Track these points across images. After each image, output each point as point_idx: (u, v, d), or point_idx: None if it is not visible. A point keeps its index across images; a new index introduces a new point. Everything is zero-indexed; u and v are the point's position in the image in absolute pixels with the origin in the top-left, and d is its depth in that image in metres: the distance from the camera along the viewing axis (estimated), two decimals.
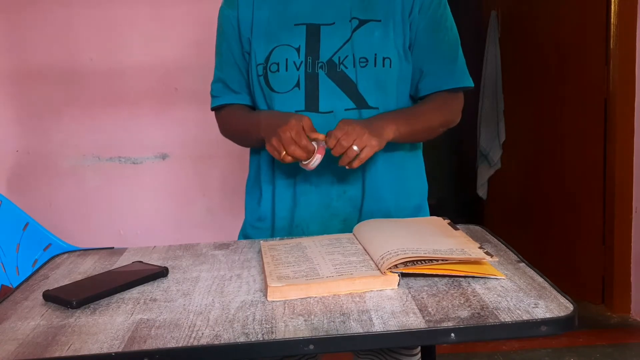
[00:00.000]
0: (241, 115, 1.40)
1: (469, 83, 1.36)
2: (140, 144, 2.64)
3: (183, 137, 2.62)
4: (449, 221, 1.24)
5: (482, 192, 3.98)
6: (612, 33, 2.88)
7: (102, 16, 2.55)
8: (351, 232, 1.24)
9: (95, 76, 2.57)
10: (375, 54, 1.29)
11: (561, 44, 3.19)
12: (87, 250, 1.31)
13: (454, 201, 4.57)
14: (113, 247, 1.31)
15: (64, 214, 2.63)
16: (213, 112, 1.47)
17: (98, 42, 2.56)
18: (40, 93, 2.58)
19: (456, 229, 1.18)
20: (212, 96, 1.44)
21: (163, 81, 2.60)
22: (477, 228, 1.31)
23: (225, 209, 2.66)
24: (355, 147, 1.17)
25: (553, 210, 3.35)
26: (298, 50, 1.30)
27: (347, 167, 1.20)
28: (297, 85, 1.31)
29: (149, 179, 2.66)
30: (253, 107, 1.41)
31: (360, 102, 1.31)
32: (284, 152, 1.19)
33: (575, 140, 3.16)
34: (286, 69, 1.31)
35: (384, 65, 1.30)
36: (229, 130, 1.44)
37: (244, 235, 1.44)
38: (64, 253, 1.30)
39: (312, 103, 1.31)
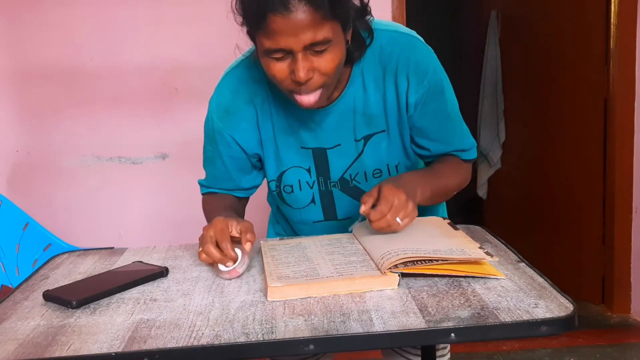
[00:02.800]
0: (212, 205, 1.34)
1: (473, 155, 1.34)
2: (140, 144, 2.64)
3: (183, 137, 2.61)
4: (449, 221, 1.24)
5: (482, 192, 3.98)
6: (612, 33, 2.88)
7: (102, 16, 2.55)
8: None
9: (95, 76, 2.57)
10: (388, 165, 1.27)
11: (561, 44, 3.19)
12: (87, 250, 1.31)
13: (454, 201, 4.56)
14: (113, 247, 1.31)
15: (64, 214, 2.63)
16: None
17: (98, 42, 2.56)
18: (40, 93, 2.58)
19: (456, 229, 1.18)
20: (201, 185, 1.39)
21: (163, 81, 2.59)
22: (477, 228, 1.31)
23: None
24: (398, 220, 1.09)
25: (553, 210, 3.35)
26: (309, 170, 1.28)
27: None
28: (313, 201, 1.32)
29: (149, 179, 2.66)
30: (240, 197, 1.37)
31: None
32: (200, 250, 1.08)
33: (575, 140, 3.15)
34: (300, 189, 1.30)
35: (397, 171, 1.28)
36: (204, 210, 1.39)
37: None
38: (64, 253, 1.30)
39: (330, 213, 1.32)
